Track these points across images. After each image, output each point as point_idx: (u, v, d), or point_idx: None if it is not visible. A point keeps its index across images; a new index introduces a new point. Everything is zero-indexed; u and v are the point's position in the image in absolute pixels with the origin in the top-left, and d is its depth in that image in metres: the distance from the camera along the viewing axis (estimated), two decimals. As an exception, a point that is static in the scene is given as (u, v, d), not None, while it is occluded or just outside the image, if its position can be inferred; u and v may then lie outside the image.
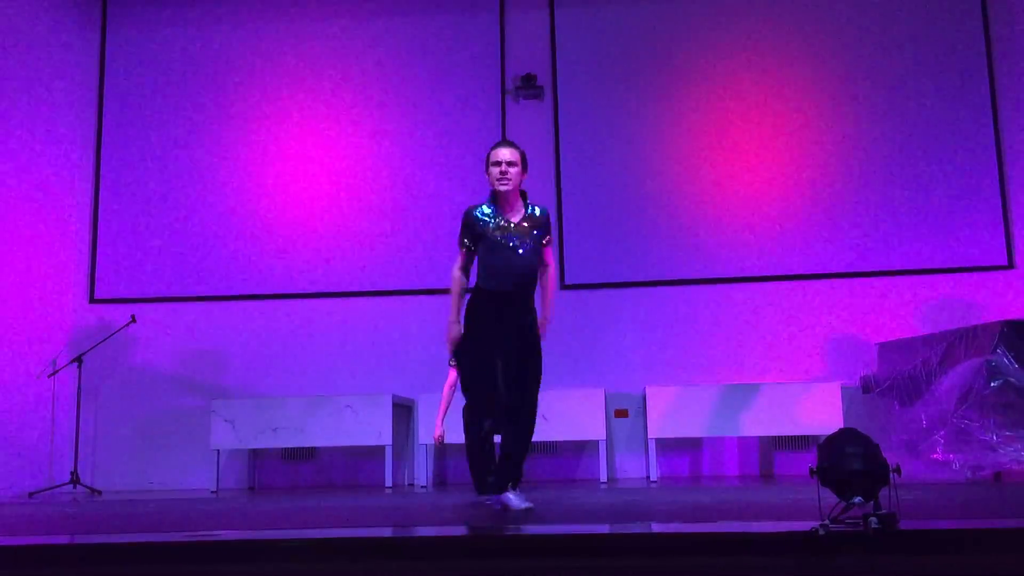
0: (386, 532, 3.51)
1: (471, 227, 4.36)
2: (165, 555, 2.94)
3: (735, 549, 2.73)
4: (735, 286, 7.65)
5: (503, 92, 8.04)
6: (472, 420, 4.55)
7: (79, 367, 7.27)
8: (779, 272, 7.61)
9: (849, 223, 7.62)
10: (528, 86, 7.94)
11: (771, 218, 7.69)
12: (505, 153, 4.29)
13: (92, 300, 8.00)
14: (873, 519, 2.58)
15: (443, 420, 5.67)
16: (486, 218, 4.34)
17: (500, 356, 4.24)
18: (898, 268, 7.52)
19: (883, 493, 2.75)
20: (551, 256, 4.53)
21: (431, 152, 8.05)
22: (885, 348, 7.04)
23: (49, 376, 7.45)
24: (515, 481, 4.33)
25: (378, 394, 7.16)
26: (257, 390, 7.64)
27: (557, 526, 3.56)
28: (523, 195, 4.41)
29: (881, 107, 7.74)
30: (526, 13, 8.16)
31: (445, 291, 7.64)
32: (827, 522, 2.64)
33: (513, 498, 4.23)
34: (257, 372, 7.75)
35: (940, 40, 7.78)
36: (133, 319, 7.42)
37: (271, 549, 2.91)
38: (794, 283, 7.59)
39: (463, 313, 4.41)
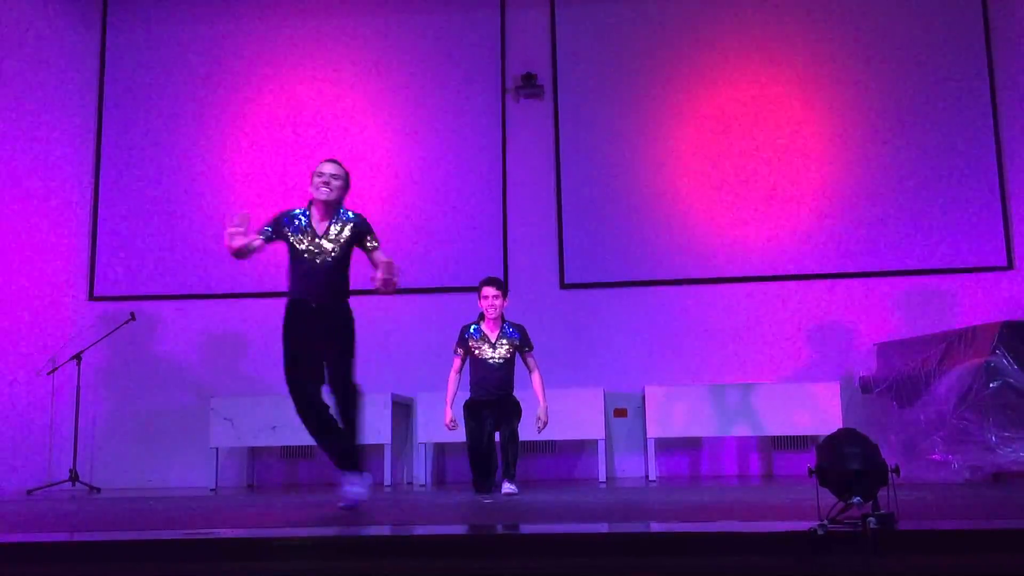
0: (385, 531, 3.51)
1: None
2: (164, 553, 2.94)
3: (734, 549, 2.73)
4: (734, 286, 7.65)
5: (503, 91, 8.04)
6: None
7: (78, 364, 7.26)
8: (778, 272, 7.61)
9: (848, 223, 7.62)
10: (528, 85, 7.94)
11: (771, 218, 7.69)
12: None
13: (91, 297, 7.99)
14: (872, 519, 2.58)
15: (451, 406, 5.85)
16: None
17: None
18: (897, 268, 7.52)
19: (882, 493, 2.75)
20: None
21: (431, 151, 8.05)
22: (884, 348, 7.05)
23: (48, 373, 7.45)
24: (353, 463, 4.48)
25: (377, 392, 7.15)
26: (256, 388, 7.63)
27: (556, 525, 3.56)
28: (336, 205, 4.57)
29: (881, 108, 7.74)
30: (527, 12, 8.15)
31: (444, 289, 7.75)
32: (826, 522, 2.64)
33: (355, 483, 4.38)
34: (256, 370, 7.74)
35: (940, 41, 7.78)
36: (132, 317, 7.41)
37: (270, 547, 2.91)
38: (793, 283, 7.59)
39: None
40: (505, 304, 5.86)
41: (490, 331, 5.83)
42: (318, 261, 4.52)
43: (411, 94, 8.14)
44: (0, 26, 7.37)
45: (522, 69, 8.01)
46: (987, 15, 7.76)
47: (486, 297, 5.82)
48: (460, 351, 5.88)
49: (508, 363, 5.82)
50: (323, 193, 4.45)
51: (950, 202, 7.56)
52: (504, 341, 5.81)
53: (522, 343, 5.86)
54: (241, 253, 4.50)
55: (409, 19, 8.27)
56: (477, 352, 5.81)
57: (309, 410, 4.55)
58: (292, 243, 4.55)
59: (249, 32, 8.34)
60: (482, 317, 5.87)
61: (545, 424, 5.73)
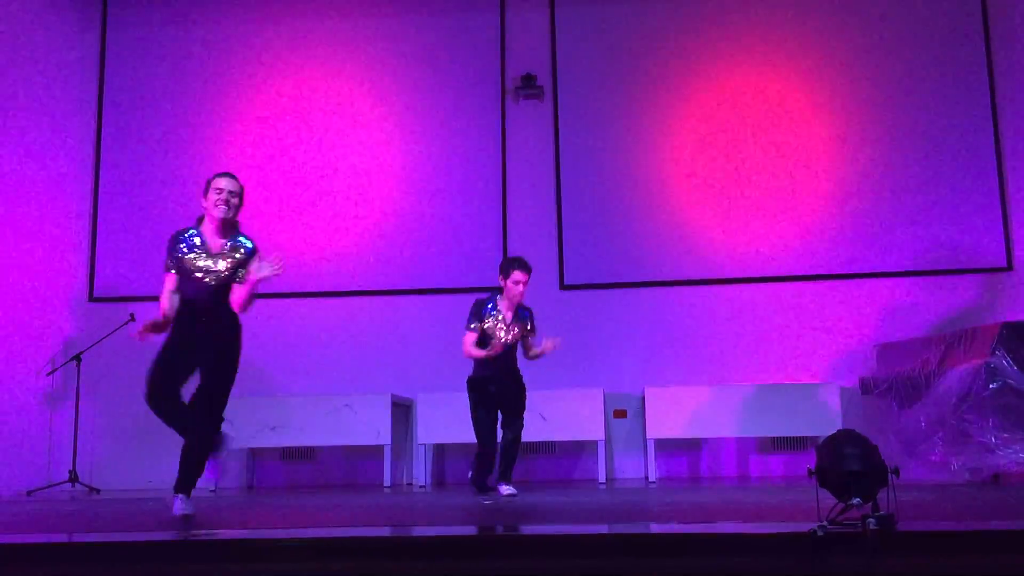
0: (385, 532, 3.51)
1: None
2: (163, 554, 2.94)
3: (733, 550, 2.74)
4: (734, 287, 7.65)
5: (503, 92, 8.04)
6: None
7: (78, 365, 7.26)
8: (778, 273, 7.61)
9: (848, 224, 7.62)
10: (528, 86, 7.94)
11: (770, 219, 7.69)
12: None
13: (91, 298, 7.99)
14: (871, 520, 2.58)
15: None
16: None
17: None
18: (897, 269, 7.52)
19: (881, 494, 2.75)
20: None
21: (430, 152, 8.05)
22: (884, 349, 7.05)
23: (48, 374, 7.45)
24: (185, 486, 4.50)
25: (377, 393, 7.15)
26: (256, 389, 7.62)
27: (556, 526, 3.56)
28: (232, 223, 4.48)
29: (880, 109, 7.74)
30: (526, 13, 8.16)
31: (443, 291, 7.75)
32: (825, 523, 2.64)
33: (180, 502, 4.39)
34: (256, 371, 7.73)
35: (940, 42, 7.78)
36: (132, 318, 7.40)
37: (269, 549, 2.91)
38: (793, 284, 7.59)
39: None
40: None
41: (507, 312, 5.72)
42: (208, 280, 4.34)
43: (411, 95, 8.14)
44: (0, 26, 7.36)
45: (522, 70, 8.01)
46: (987, 18, 7.76)
47: (517, 282, 5.68)
48: (476, 326, 5.69)
49: (514, 345, 5.77)
50: (220, 211, 4.33)
51: (950, 203, 7.56)
52: (517, 324, 5.73)
53: (532, 327, 5.81)
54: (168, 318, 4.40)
55: (409, 20, 8.27)
56: (489, 330, 5.66)
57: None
58: (185, 263, 4.36)
59: (248, 33, 8.34)
60: (497, 294, 5.76)
61: (553, 347, 5.72)
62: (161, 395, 4.41)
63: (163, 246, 4.78)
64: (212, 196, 4.35)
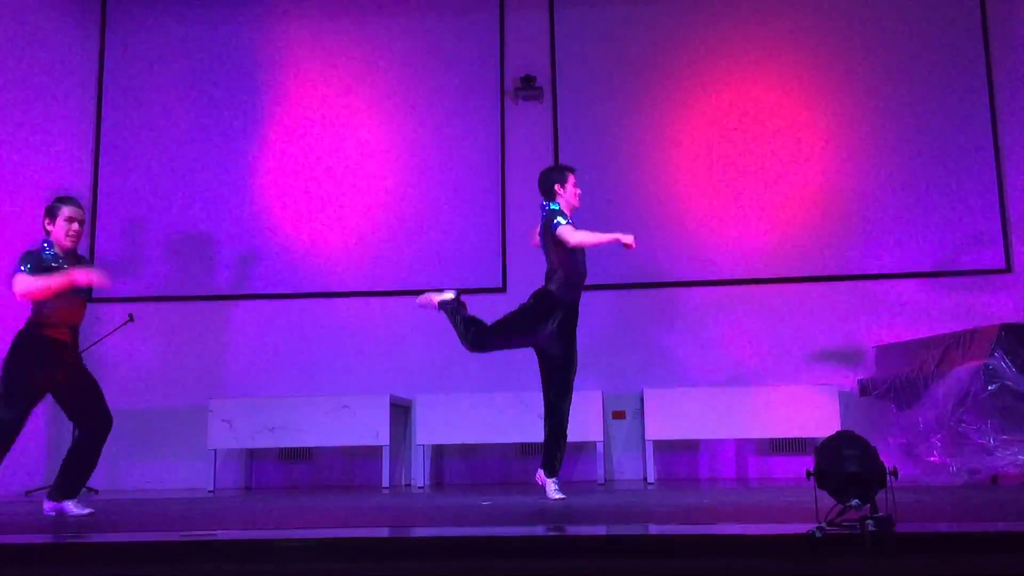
0: (383, 533, 3.51)
1: None
2: (161, 554, 2.94)
3: (732, 551, 2.73)
4: (733, 288, 7.65)
5: (502, 93, 8.04)
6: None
7: (76, 366, 7.24)
8: (777, 274, 7.61)
9: (847, 226, 7.62)
10: (527, 87, 7.94)
11: (769, 220, 7.69)
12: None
13: (89, 299, 7.95)
14: (870, 522, 2.58)
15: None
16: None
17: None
18: (896, 271, 7.52)
19: (880, 496, 2.75)
20: None
21: (429, 153, 8.05)
22: (883, 351, 7.05)
23: (46, 375, 7.43)
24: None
25: (376, 394, 7.15)
26: (254, 390, 7.63)
27: (555, 527, 3.56)
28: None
29: (882, 111, 7.74)
30: (526, 14, 8.16)
31: (442, 291, 7.72)
32: (824, 525, 2.64)
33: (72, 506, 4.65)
34: (254, 372, 7.74)
35: (938, 44, 7.78)
36: (131, 318, 7.40)
37: (268, 549, 2.91)
38: (792, 285, 7.59)
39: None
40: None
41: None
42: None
43: (410, 96, 8.14)
44: (-1, 27, 7.36)
45: (521, 71, 8.01)
46: (986, 20, 7.76)
47: (576, 184, 5.47)
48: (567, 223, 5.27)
49: None
50: (71, 242, 4.65)
51: (949, 205, 7.56)
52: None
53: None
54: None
55: (408, 21, 8.27)
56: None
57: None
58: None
59: (248, 34, 8.34)
60: (550, 202, 5.49)
61: None
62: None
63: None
64: (66, 225, 4.61)
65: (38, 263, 4.57)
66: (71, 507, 4.62)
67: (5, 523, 4.36)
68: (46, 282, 4.50)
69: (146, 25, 8.37)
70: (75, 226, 4.62)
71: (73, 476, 4.67)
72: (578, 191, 5.49)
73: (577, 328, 5.42)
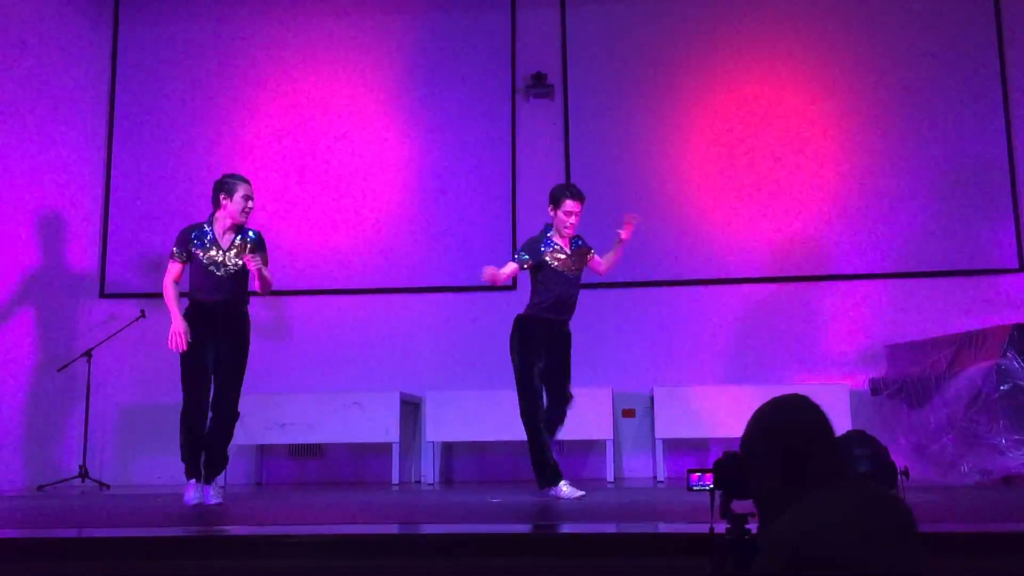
0: (393, 529, 3.52)
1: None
2: (172, 550, 2.95)
3: (742, 550, 2.73)
4: (744, 287, 7.62)
5: (513, 91, 8.03)
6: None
7: (88, 361, 7.29)
8: (788, 273, 7.58)
9: (859, 225, 7.58)
10: (538, 85, 7.93)
11: (780, 219, 7.66)
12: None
13: (102, 294, 8.02)
14: (881, 521, 2.57)
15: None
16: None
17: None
18: (908, 270, 7.48)
19: (891, 495, 2.74)
20: None
21: (440, 150, 8.04)
22: (894, 350, 7.02)
23: (59, 370, 7.47)
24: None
25: (386, 391, 7.16)
26: (265, 386, 7.64)
27: (564, 525, 3.56)
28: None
29: (892, 111, 7.70)
30: (537, 12, 8.14)
31: (453, 289, 7.76)
32: (834, 524, 2.62)
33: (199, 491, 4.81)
34: (265, 368, 7.73)
35: (951, 42, 7.73)
36: (143, 314, 7.43)
37: (278, 545, 2.92)
38: (803, 284, 7.56)
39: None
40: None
41: (564, 244, 5.23)
42: (220, 273, 4.80)
43: (421, 93, 8.14)
44: (11, 23, 7.40)
45: (532, 69, 8.00)
46: (999, 17, 7.70)
47: (570, 213, 5.10)
48: (527, 261, 5.15)
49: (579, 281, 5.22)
50: (244, 218, 4.80)
51: (961, 204, 7.51)
52: (575, 254, 5.24)
53: (588, 248, 5.35)
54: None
55: (419, 18, 8.26)
56: (553, 264, 5.12)
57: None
58: (200, 257, 4.81)
59: (260, 31, 8.35)
60: (548, 230, 5.28)
61: (632, 224, 5.28)
62: (195, 412, 4.84)
63: (173, 244, 4.89)
64: (245, 204, 4.74)
65: (186, 245, 4.78)
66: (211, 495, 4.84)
67: (17, 518, 4.38)
68: (172, 307, 4.78)
69: (158, 24, 8.38)
70: (250, 203, 4.80)
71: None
72: (569, 220, 5.13)
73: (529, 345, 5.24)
